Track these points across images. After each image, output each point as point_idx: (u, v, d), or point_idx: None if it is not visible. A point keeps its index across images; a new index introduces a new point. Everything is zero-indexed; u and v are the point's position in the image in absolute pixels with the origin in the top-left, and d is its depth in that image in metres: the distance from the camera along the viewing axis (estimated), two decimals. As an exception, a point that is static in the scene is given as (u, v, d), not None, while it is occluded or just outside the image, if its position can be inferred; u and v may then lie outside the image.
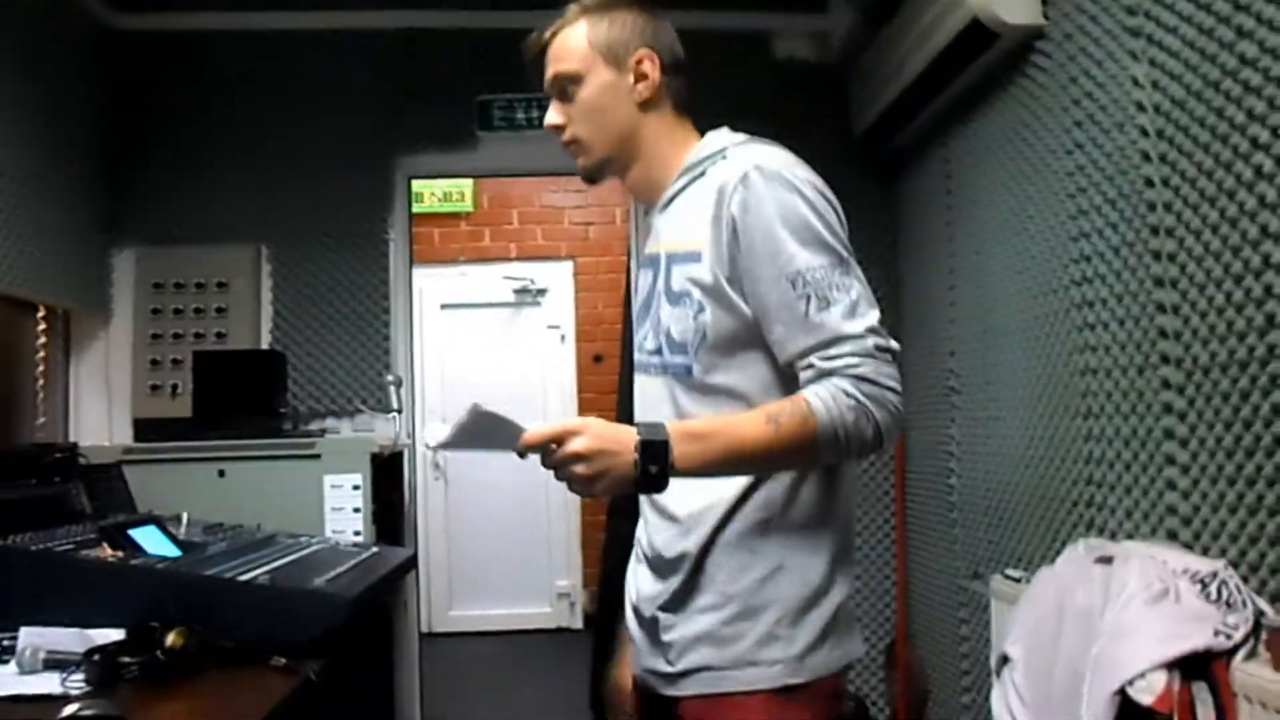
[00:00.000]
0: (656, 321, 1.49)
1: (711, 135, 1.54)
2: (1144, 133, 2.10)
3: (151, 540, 2.23)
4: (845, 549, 1.50)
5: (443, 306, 5.93)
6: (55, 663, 1.68)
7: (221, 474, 2.84)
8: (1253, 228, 1.78)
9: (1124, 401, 2.19)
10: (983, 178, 2.85)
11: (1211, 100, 1.88)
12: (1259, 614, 1.76)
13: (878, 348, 1.30)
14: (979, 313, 2.87)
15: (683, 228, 1.45)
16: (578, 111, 1.49)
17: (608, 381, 5.87)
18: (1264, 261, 1.76)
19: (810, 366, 1.31)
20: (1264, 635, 1.73)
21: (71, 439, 3.38)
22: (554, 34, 1.51)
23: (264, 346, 3.56)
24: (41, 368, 3.45)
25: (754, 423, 1.30)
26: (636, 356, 1.57)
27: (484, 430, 1.25)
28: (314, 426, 3.50)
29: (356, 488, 2.84)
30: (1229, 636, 1.74)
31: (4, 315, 3.22)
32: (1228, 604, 1.79)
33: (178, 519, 2.55)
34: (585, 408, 6.03)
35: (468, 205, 5.98)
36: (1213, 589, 1.83)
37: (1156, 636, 1.78)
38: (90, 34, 3.49)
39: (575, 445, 1.25)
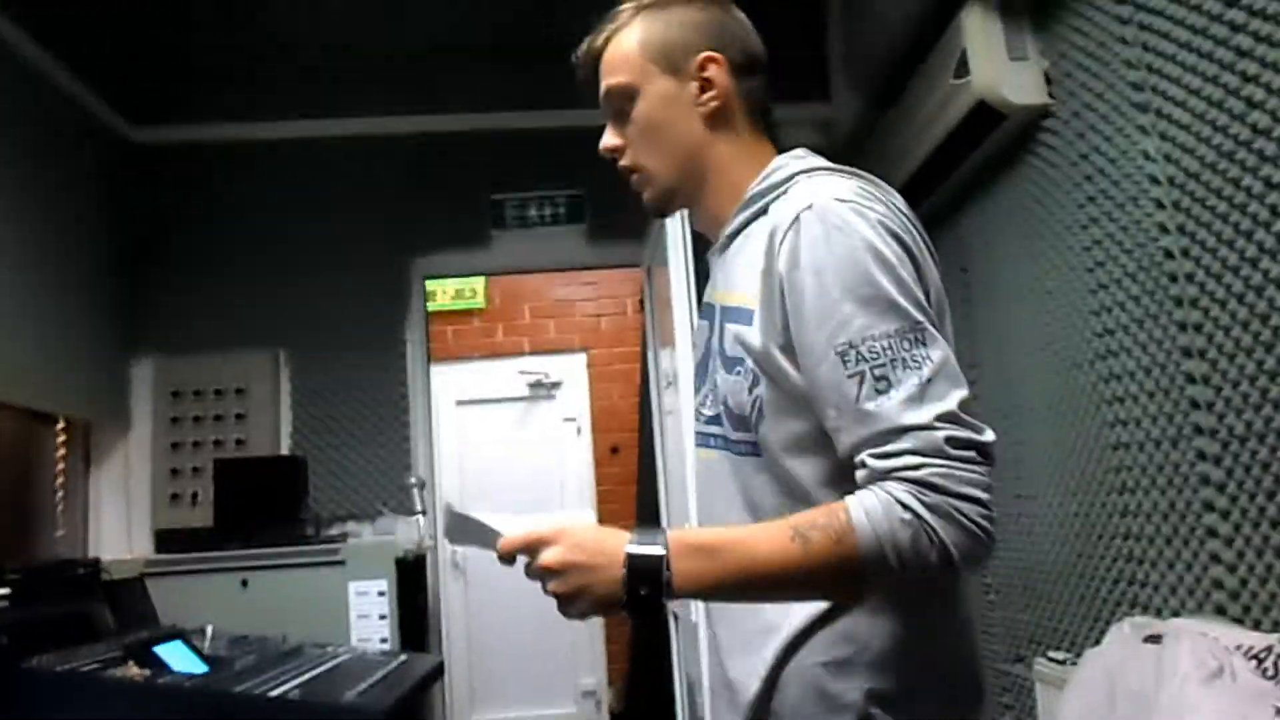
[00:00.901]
0: (714, 385, 1.22)
1: (782, 159, 1.23)
2: (1160, 205, 2.11)
3: (178, 656, 2.19)
4: (967, 699, 1.15)
5: (458, 403, 5.92)
6: (85, 789, 1.64)
7: (245, 584, 2.81)
8: (1280, 295, 1.78)
9: (1159, 475, 2.16)
10: (998, 255, 2.86)
11: (1227, 171, 1.89)
12: (1322, 690, 1.70)
13: (951, 442, 0.98)
14: (1003, 391, 2.85)
15: (737, 276, 1.18)
16: (636, 132, 1.23)
17: (626, 473, 5.84)
18: (1295, 328, 1.75)
19: (863, 465, 1.02)
20: (1329, 713, 1.67)
21: (91, 550, 3.36)
22: (606, 40, 1.26)
23: (284, 451, 3.55)
24: (61, 479, 3.45)
25: (776, 537, 1.00)
26: (695, 425, 1.29)
27: (465, 530, 1.11)
28: (335, 531, 3.46)
29: (382, 594, 2.80)
30: (1293, 715, 1.68)
31: (24, 427, 3.22)
32: (1287, 681, 1.74)
33: (202, 632, 2.51)
34: (603, 500, 5.98)
35: (480, 302, 6.03)
36: (1269, 664, 1.78)
37: (1217, 715, 1.73)
38: (108, 147, 3.57)
39: (546, 557, 1.01)
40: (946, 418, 0.99)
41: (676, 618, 3.52)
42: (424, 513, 3.09)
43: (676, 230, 2.87)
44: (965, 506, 0.96)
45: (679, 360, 2.81)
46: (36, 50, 3.03)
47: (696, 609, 2.75)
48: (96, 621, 2.40)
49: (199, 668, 2.19)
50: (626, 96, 1.23)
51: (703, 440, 1.26)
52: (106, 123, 3.54)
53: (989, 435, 1.01)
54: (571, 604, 1.02)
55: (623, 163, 1.27)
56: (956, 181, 2.94)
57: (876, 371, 1.01)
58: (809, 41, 3.80)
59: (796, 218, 1.08)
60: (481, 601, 5.80)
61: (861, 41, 3.19)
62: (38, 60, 3.05)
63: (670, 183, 1.25)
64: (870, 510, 0.97)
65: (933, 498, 0.96)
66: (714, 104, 1.23)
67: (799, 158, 1.22)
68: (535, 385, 6.05)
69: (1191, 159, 2.00)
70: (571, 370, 6.11)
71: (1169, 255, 2.10)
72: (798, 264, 1.07)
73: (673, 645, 3.56)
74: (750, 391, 1.13)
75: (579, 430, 6.07)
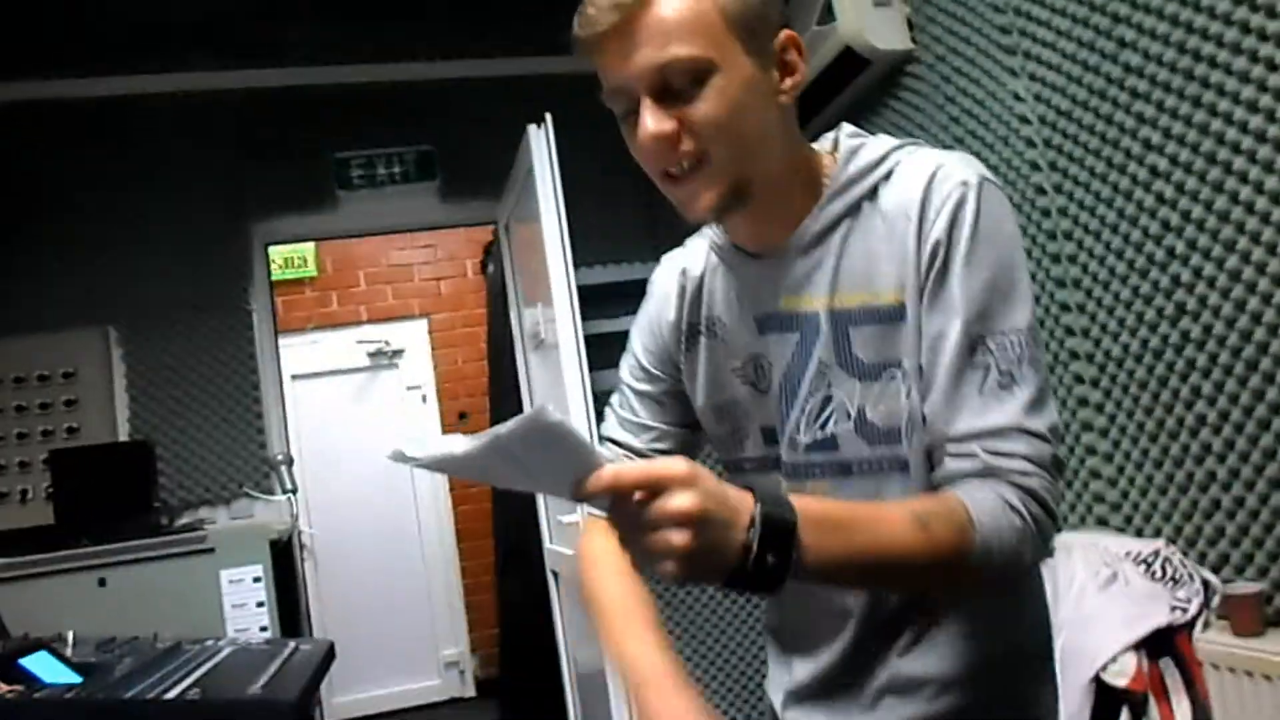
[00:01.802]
0: (822, 404, 1.08)
1: (850, 140, 1.10)
2: (1030, 144, 2.21)
3: (46, 668, 1.99)
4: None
5: (294, 377, 5.61)
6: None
7: (102, 583, 2.58)
8: (1154, 224, 1.89)
9: (1037, 400, 2.28)
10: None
11: (1099, 108, 1.99)
12: (1206, 584, 1.85)
13: (1055, 461, 0.96)
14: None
15: (867, 274, 1.05)
16: (708, 117, 0.98)
17: (476, 437, 5.73)
18: (1169, 254, 1.87)
19: (970, 455, 0.96)
20: (1215, 603, 1.82)
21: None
22: None
23: (122, 437, 3.27)
24: None
25: (901, 521, 0.92)
26: (786, 456, 1.13)
27: (525, 455, 0.82)
28: (187, 519, 3.24)
29: (258, 580, 2.64)
30: (1185, 610, 1.82)
31: None
32: (1174, 580, 1.88)
33: (62, 639, 2.28)
34: (454, 466, 5.85)
35: (311, 270, 5.73)
36: (1156, 567, 1.91)
37: (1118, 621, 1.85)
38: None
39: (681, 502, 0.80)
40: (1055, 431, 0.97)
41: (557, 576, 3.49)
42: (294, 490, 2.92)
43: (547, 182, 2.79)
44: (1051, 527, 0.97)
45: (558, 317, 2.75)
46: None
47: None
48: (-61, 638, 2.15)
49: (72, 678, 1.98)
50: (698, 72, 0.97)
51: (802, 471, 1.12)
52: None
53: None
54: (690, 564, 0.81)
55: (684, 148, 1.00)
56: (821, 125, 2.97)
57: (1003, 367, 0.97)
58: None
59: (956, 194, 0.98)
60: (332, 578, 5.59)
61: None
62: None
63: (746, 180, 1.02)
64: (987, 509, 0.93)
65: (1035, 509, 0.94)
66: (795, 93, 1.05)
67: (862, 135, 1.11)
68: (375, 354, 5.83)
69: (1062, 98, 2.09)
70: (413, 337, 5.92)
71: (1040, 191, 2.20)
72: (954, 241, 0.98)
73: (554, 605, 3.53)
74: (906, 398, 1.03)
75: (424, 398, 5.90)
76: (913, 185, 1.01)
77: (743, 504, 0.83)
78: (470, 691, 5.74)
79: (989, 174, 1.02)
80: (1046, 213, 2.19)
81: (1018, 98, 2.23)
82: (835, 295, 1.06)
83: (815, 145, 1.10)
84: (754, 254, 1.13)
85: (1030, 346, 0.97)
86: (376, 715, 5.57)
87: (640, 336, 1.28)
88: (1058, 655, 1.71)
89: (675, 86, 0.97)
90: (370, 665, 5.56)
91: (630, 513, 0.82)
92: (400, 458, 0.83)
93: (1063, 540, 2.11)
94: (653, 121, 0.98)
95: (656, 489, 0.81)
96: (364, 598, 5.61)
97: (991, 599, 1.07)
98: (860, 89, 2.75)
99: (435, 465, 0.84)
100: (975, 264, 0.98)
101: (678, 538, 0.80)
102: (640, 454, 1.24)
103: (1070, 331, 2.16)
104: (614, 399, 1.30)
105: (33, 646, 2.10)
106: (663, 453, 1.24)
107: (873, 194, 1.05)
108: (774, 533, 0.83)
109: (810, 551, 0.85)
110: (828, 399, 1.08)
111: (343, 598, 5.57)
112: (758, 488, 0.86)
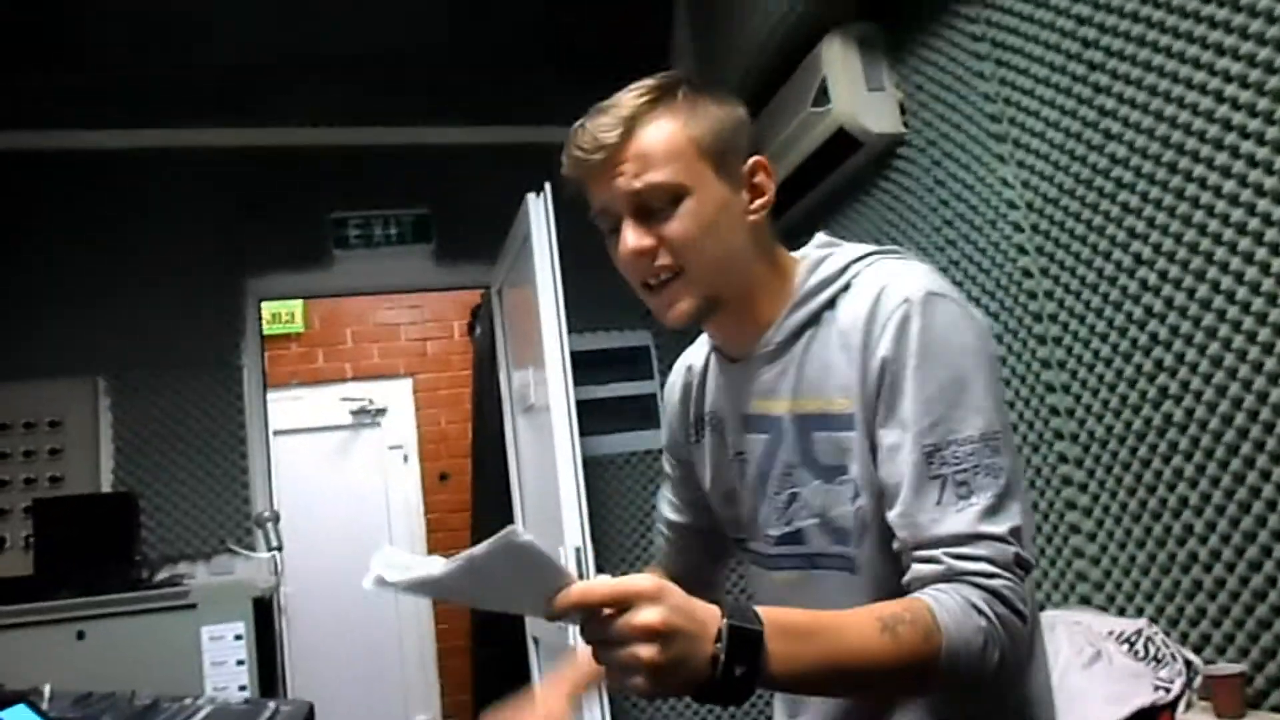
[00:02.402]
0: (788, 501, 1.16)
1: (818, 251, 1.18)
2: (1018, 228, 2.28)
3: (25, 721, 1.96)
4: None
5: (276, 432, 5.58)
6: None
7: (81, 635, 2.55)
8: (1137, 309, 1.96)
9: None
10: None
11: (1085, 196, 2.07)
12: (1188, 664, 1.87)
13: (1019, 561, 0.99)
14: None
15: (822, 382, 1.12)
16: (682, 234, 1.09)
17: (456, 500, 5.71)
18: (1152, 339, 1.93)
19: (933, 561, 1.00)
20: (1198, 683, 1.85)
21: None
22: (625, 134, 1.09)
23: (105, 488, 3.26)
24: None
25: (866, 626, 0.94)
26: (759, 548, 1.22)
27: (500, 574, 0.86)
28: (166, 573, 3.21)
29: (239, 637, 2.61)
30: (1168, 690, 1.84)
31: None
32: (1156, 659, 1.90)
33: (39, 693, 2.25)
34: (433, 528, 5.82)
35: (298, 326, 5.74)
36: (1139, 647, 1.94)
37: (1102, 699, 1.87)
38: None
39: (647, 616, 0.83)
40: (1016, 533, 1.00)
41: (537, 642, 3.47)
42: (279, 548, 2.90)
43: (544, 249, 2.84)
44: (1018, 626, 0.98)
45: (550, 382, 2.78)
46: None
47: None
48: (-86, 688, 2.12)
49: (51, 732, 1.96)
50: (673, 195, 1.09)
51: (772, 563, 1.20)
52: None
53: (1033, 560, 1.04)
54: (663, 676, 0.83)
55: (661, 262, 1.10)
56: (812, 202, 3.07)
57: (959, 477, 1.01)
58: (649, 62, 3.87)
59: (899, 311, 1.04)
60: (304, 637, 5.50)
61: (713, 66, 3.27)
62: None
63: (717, 290, 1.12)
64: (951, 611, 0.95)
65: (1001, 609, 0.96)
66: (763, 212, 1.15)
67: (833, 244, 1.19)
68: (359, 412, 5.82)
69: (1050, 185, 2.17)
70: (397, 396, 5.92)
71: (1027, 274, 2.27)
72: (900, 358, 1.04)
73: (533, 671, 3.50)
74: (853, 502, 1.09)
75: (405, 458, 5.88)
76: (863, 301, 1.08)
77: (710, 617, 0.86)
78: (440, 759, 5.64)
79: (940, 286, 1.07)
80: (1033, 295, 2.25)
81: (1006, 183, 2.31)
82: (796, 400, 1.14)
83: (795, 254, 1.20)
84: (732, 358, 1.23)
85: (985, 454, 1.00)
86: (343, 782, 5.44)
87: (665, 428, 1.42)
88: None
89: (653, 207, 1.09)
90: (340, 728, 5.46)
91: (599, 628, 0.85)
92: (380, 583, 0.87)
93: (1046, 618, 2.13)
94: (633, 238, 1.09)
95: (624, 604, 0.84)
96: (336, 658, 5.53)
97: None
98: (852, 169, 2.83)
99: (415, 589, 0.88)
100: (924, 378, 1.02)
101: (645, 651, 0.82)
102: (678, 528, 1.42)
103: (1055, 411, 2.21)
104: (664, 477, 1.45)
105: (10, 700, 2.08)
106: (694, 530, 1.40)
107: (832, 304, 1.13)
108: (741, 644, 0.85)
109: (777, 660, 0.87)
110: (794, 495, 1.15)
111: (314, 657, 5.47)
112: (724, 601, 0.89)
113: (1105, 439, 2.08)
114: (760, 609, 0.89)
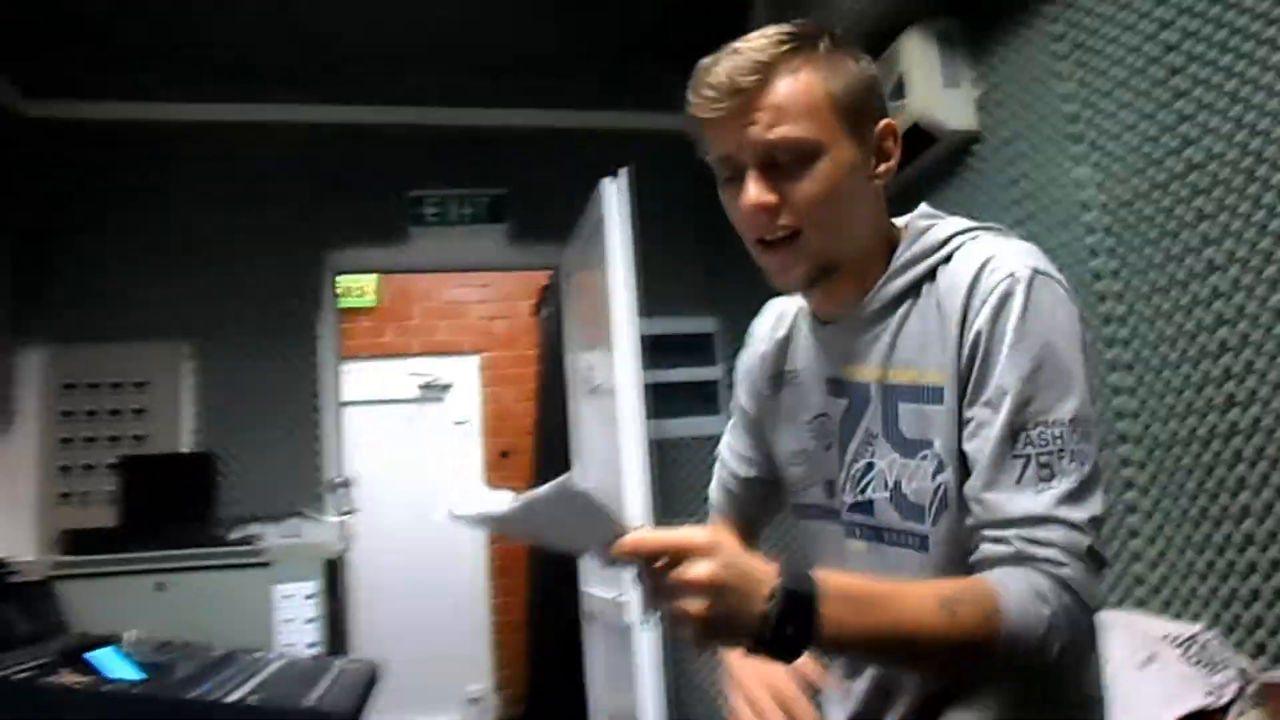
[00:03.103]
0: (864, 470, 1.14)
1: (922, 220, 1.15)
2: (1090, 230, 2.28)
3: (112, 663, 2.09)
4: None
5: (344, 404, 5.76)
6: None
7: (160, 587, 2.67)
8: (1208, 315, 1.95)
9: (1082, 479, 2.32)
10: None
11: (1161, 200, 2.06)
12: (1243, 671, 1.87)
13: (1091, 553, 0.96)
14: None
15: (915, 354, 1.09)
16: (809, 196, 1.04)
17: (516, 477, 5.80)
18: (1221, 346, 1.92)
19: (1003, 542, 0.98)
20: (1250, 690, 1.85)
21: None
22: (762, 81, 1.04)
23: (184, 449, 3.39)
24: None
25: (924, 601, 0.93)
26: (818, 506, 1.22)
27: (558, 517, 0.91)
28: (238, 533, 3.33)
29: (310, 597, 2.73)
30: (1220, 696, 1.84)
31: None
32: (1211, 665, 1.90)
33: (121, 639, 2.38)
34: (494, 505, 5.92)
35: (370, 300, 5.89)
36: (1194, 651, 1.94)
37: (1153, 700, 1.87)
38: (-1, 121, 3.34)
39: (700, 571, 0.85)
40: (1095, 523, 0.97)
41: (593, 618, 3.54)
42: (350, 513, 3.01)
43: (618, 234, 2.89)
44: (1086, 621, 0.98)
45: (620, 365, 2.84)
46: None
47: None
48: (12, 626, 2.26)
49: (136, 674, 2.08)
50: (805, 152, 1.04)
51: (841, 529, 1.18)
52: (-3, 94, 3.32)
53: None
54: (712, 630, 0.86)
55: (782, 221, 1.06)
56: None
57: (1043, 459, 0.98)
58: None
59: (1002, 285, 1.01)
60: (360, 604, 5.65)
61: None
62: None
63: (833, 256, 1.09)
64: (1015, 596, 0.93)
65: (1067, 599, 0.94)
66: (888, 177, 1.12)
67: (936, 215, 1.16)
68: (426, 387, 5.95)
69: (1125, 188, 2.16)
70: (463, 372, 6.04)
71: (1098, 276, 2.26)
72: (997, 333, 1.00)
73: (586, 648, 3.58)
74: (934, 478, 1.06)
75: (469, 433, 6.00)
76: (964, 273, 1.05)
77: (764, 575, 0.87)
78: (491, 729, 5.77)
79: (1045, 266, 1.04)
80: (1103, 297, 2.25)
81: (1081, 184, 2.30)
82: (887, 370, 1.11)
83: (896, 221, 1.17)
84: (824, 320, 1.20)
85: (1073, 439, 0.98)
86: (396, 745, 5.60)
87: (741, 378, 1.37)
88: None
89: (781, 162, 1.04)
90: (394, 693, 5.59)
91: (653, 578, 0.87)
92: (450, 516, 0.92)
93: (1101, 619, 2.14)
94: (756, 192, 1.04)
95: (677, 556, 0.86)
96: (393, 625, 5.66)
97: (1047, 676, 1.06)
98: (926, 165, 2.83)
99: (480, 523, 0.94)
100: (1019, 355, 0.99)
101: (694, 605, 0.84)
102: (742, 480, 1.39)
103: (1120, 414, 2.21)
104: (728, 427, 1.42)
105: (100, 642, 2.20)
106: (761, 482, 1.37)
107: (932, 276, 1.09)
108: (793, 605, 0.86)
109: (830, 624, 0.87)
110: (870, 466, 1.13)
111: (372, 623, 5.62)
112: (784, 560, 0.89)
113: (1169, 443, 2.08)
114: (818, 573, 0.90)
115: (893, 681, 1.15)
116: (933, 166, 2.85)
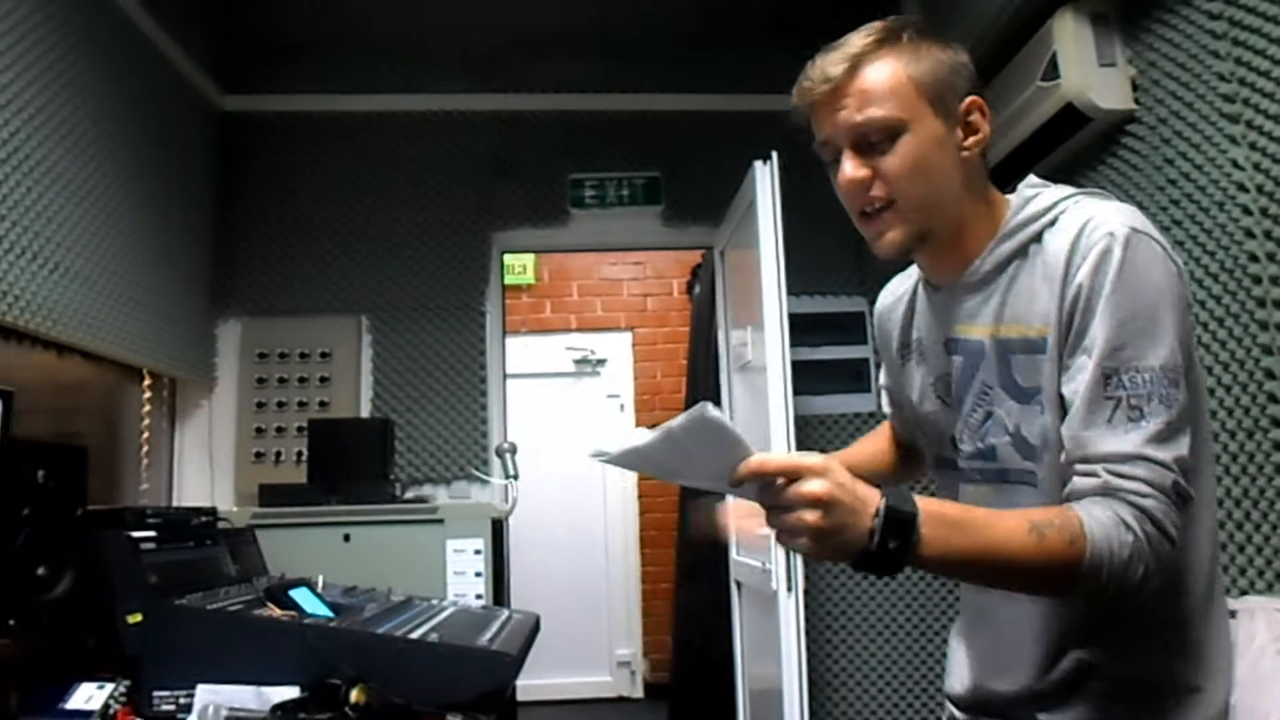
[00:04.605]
0: (983, 419, 1.26)
1: (1028, 189, 1.25)
2: (1246, 211, 2.24)
3: (308, 602, 2.33)
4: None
5: (504, 376, 6.07)
6: (235, 720, 1.73)
7: (347, 538, 2.95)
8: (1369, 299, 1.92)
9: (1234, 464, 2.30)
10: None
11: (1321, 183, 2.02)
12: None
13: (1176, 489, 1.06)
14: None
15: (1024, 310, 1.20)
16: (897, 168, 1.19)
17: (665, 450, 5.98)
18: (1382, 331, 1.89)
19: (1092, 475, 1.08)
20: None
21: (175, 503, 3.51)
22: (850, 70, 1.20)
23: (364, 414, 3.70)
24: (146, 434, 3.58)
25: (1015, 525, 1.04)
26: (946, 457, 1.36)
27: (692, 447, 1.00)
28: (411, 494, 3.62)
29: (478, 552, 2.95)
30: (1366, 684, 1.83)
31: (112, 381, 3.36)
32: (1358, 654, 1.89)
33: (314, 582, 2.64)
34: (642, 476, 6.13)
35: (530, 278, 6.16)
36: (1342, 640, 1.92)
37: (1296, 685, 1.88)
38: (204, 115, 3.70)
39: (814, 487, 0.97)
40: (1180, 462, 1.06)
41: (740, 586, 3.67)
42: (515, 476, 3.24)
43: (768, 216, 2.99)
44: (1168, 549, 1.06)
45: (768, 342, 2.95)
46: (136, 8, 3.11)
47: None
48: (221, 567, 2.54)
49: (328, 613, 2.32)
50: (891, 130, 1.18)
51: (964, 476, 1.31)
52: (200, 90, 3.66)
53: (1194, 494, 1.10)
54: (820, 541, 0.98)
55: (875, 193, 1.21)
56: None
57: (1133, 401, 1.07)
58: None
59: (1110, 235, 1.11)
60: (518, 568, 5.94)
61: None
62: (138, 20, 3.13)
63: (927, 225, 1.22)
64: (1101, 522, 1.04)
65: (1150, 528, 1.04)
66: (978, 150, 1.23)
67: (1042, 185, 1.26)
68: (581, 362, 6.19)
69: (1283, 169, 2.13)
70: (616, 348, 6.25)
71: (1253, 258, 2.23)
72: (1096, 286, 1.10)
73: (735, 615, 3.71)
74: (1042, 420, 1.17)
75: (621, 407, 6.22)
76: (1067, 233, 1.16)
77: (870, 496, 1.01)
78: (639, 692, 5.99)
79: (1143, 224, 1.14)
80: (1257, 279, 2.21)
81: (1237, 165, 2.27)
82: (998, 326, 1.23)
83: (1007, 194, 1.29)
84: (937, 286, 1.33)
85: (1162, 385, 1.07)
86: (547, 701, 5.88)
87: (882, 350, 1.55)
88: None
89: (872, 140, 1.20)
90: (546, 652, 5.85)
91: (772, 495, 1.01)
92: (598, 454, 1.06)
93: (1245, 603, 2.14)
94: (850, 168, 1.21)
95: (794, 476, 1.00)
96: (547, 588, 5.93)
97: (1169, 657, 1.17)
98: (1078, 146, 2.82)
99: (621, 460, 1.05)
100: (1115, 306, 1.09)
101: (810, 516, 0.98)
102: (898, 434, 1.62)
103: (1273, 399, 2.18)
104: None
105: (298, 583, 2.47)
106: (909, 435, 1.56)
107: (1038, 239, 1.20)
108: (895, 522, 0.99)
109: (928, 543, 1.01)
110: (989, 414, 1.25)
111: (528, 585, 5.92)
112: (886, 485, 1.03)
113: (1326, 429, 2.05)
114: (920, 498, 1.02)
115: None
116: (1085, 147, 2.83)
